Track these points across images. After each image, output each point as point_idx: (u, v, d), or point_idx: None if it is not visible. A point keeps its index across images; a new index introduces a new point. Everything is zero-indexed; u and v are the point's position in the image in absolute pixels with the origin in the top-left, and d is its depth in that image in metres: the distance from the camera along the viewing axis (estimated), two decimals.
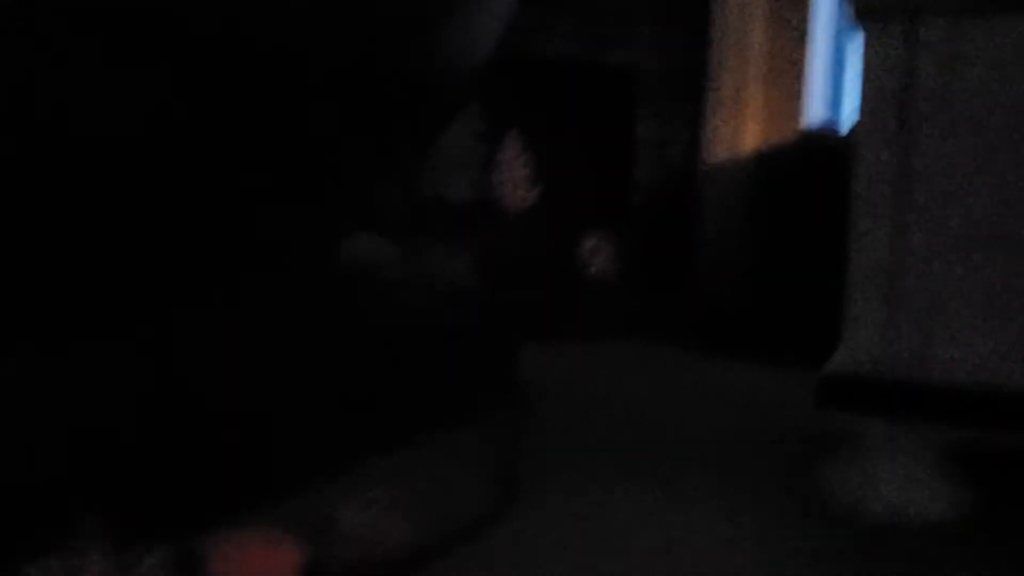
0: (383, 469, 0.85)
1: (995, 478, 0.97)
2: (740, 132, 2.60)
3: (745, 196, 2.64)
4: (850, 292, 0.87)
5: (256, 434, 0.75)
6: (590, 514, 0.79)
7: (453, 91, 1.12)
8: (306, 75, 0.72)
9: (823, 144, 2.72)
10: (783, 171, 2.67)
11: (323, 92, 0.79)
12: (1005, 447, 0.77)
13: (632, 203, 2.64)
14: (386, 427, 0.96)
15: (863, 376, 0.84)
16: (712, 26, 2.61)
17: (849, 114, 3.14)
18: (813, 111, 2.85)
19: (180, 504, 0.64)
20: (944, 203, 0.82)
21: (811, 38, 2.70)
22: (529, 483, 0.89)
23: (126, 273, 0.66)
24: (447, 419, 1.10)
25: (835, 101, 3.09)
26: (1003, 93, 0.79)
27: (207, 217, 0.73)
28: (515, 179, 2.61)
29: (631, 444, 1.10)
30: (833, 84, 3.07)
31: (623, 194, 2.66)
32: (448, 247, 2.28)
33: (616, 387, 1.60)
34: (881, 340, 0.85)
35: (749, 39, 2.59)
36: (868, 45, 0.84)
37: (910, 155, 0.83)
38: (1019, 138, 0.79)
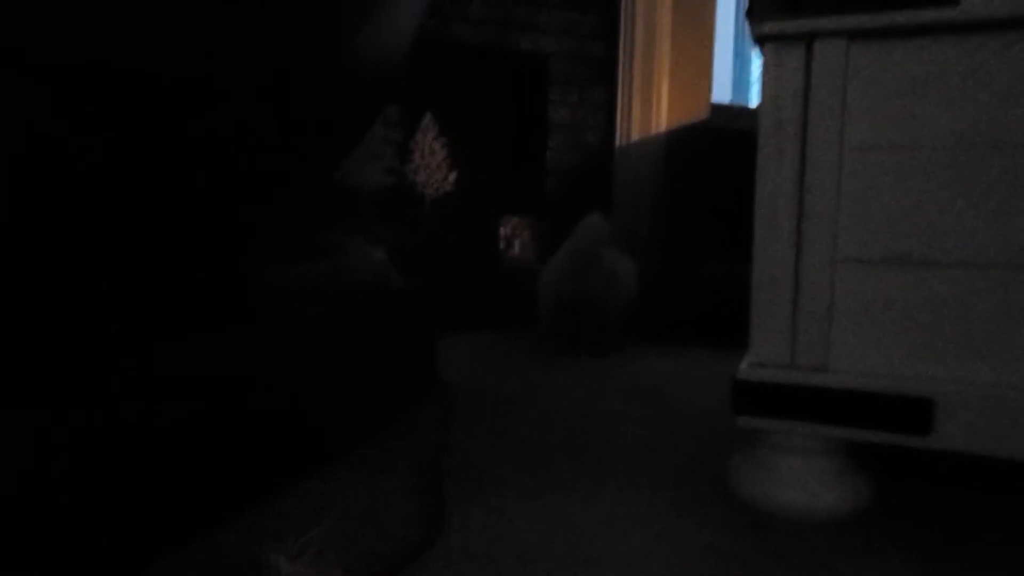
0: (311, 498, 0.84)
1: (896, 470, 1.04)
2: (650, 115, 2.65)
3: (657, 176, 2.69)
4: (754, 299, 0.91)
5: (175, 465, 0.73)
6: (517, 532, 0.80)
7: (374, 91, 1.11)
8: (224, 93, 0.69)
9: (730, 123, 2.80)
10: (692, 150, 2.73)
11: (244, 106, 0.77)
12: (903, 443, 0.83)
13: (547, 187, 2.66)
14: (310, 445, 0.95)
15: (769, 382, 0.88)
16: (621, 12, 2.64)
17: (755, 93, 3.24)
18: (720, 92, 2.92)
19: (94, 551, 0.62)
20: (836, 217, 0.86)
21: (717, 20, 2.76)
22: (454, 493, 0.90)
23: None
24: (372, 432, 1.10)
25: (741, 81, 3.18)
26: (892, 112, 0.83)
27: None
28: (430, 165, 2.58)
29: (551, 443, 1.12)
30: (739, 65, 3.16)
31: (538, 178, 2.68)
32: (366, 237, 2.24)
33: (536, 378, 1.62)
34: (783, 347, 0.90)
35: (657, 24, 2.63)
36: (766, 67, 0.87)
37: (805, 169, 0.87)
38: (906, 156, 0.83)
